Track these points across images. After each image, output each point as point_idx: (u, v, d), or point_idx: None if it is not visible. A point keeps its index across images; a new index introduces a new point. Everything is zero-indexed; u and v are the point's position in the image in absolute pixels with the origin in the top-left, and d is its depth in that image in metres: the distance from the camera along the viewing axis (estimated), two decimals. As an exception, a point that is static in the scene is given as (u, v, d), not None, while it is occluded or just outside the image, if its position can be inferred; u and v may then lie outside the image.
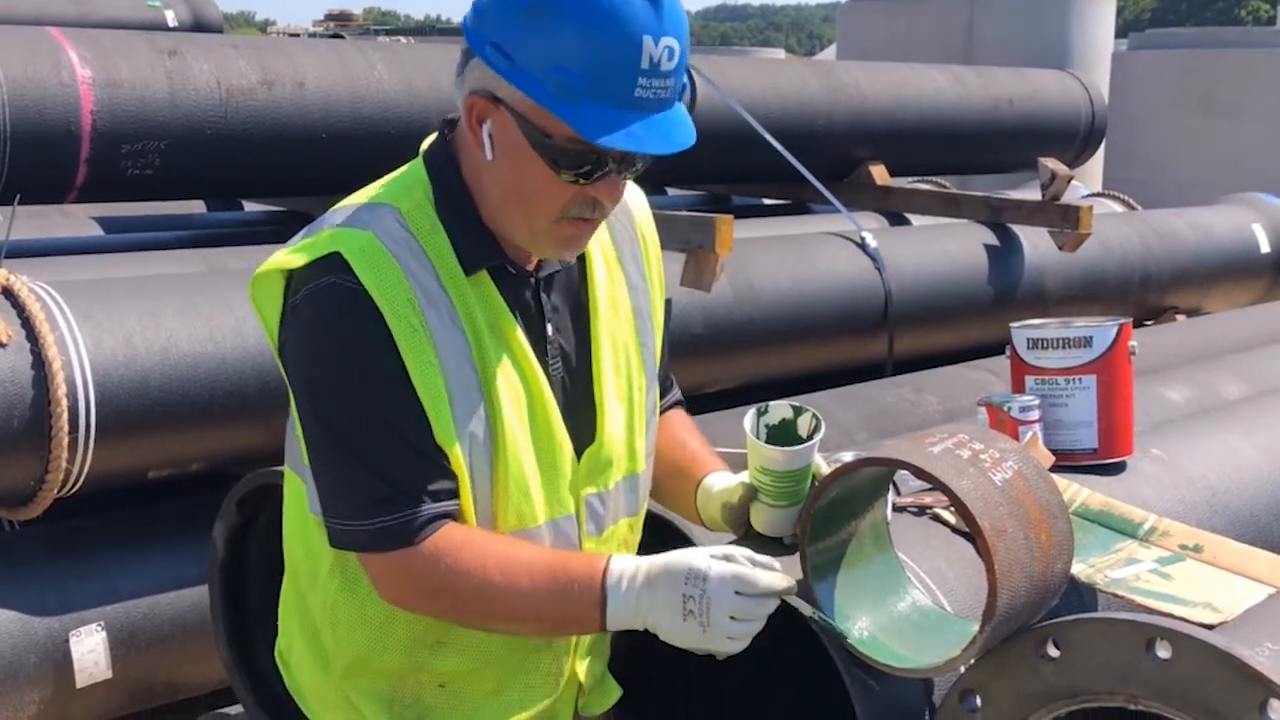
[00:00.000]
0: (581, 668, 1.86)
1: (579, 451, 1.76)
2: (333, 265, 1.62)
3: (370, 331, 1.61)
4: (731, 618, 1.60)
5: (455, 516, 1.66)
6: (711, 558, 1.63)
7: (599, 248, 1.82)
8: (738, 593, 1.60)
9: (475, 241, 1.69)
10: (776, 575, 1.63)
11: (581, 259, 1.81)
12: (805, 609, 1.71)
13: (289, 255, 1.67)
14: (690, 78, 1.64)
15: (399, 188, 1.73)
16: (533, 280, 1.74)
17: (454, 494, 1.66)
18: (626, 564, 1.64)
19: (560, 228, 1.66)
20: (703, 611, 1.59)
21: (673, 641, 1.64)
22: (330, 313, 1.62)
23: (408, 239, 1.65)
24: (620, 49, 1.54)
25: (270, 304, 1.70)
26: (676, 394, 2.06)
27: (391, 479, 1.62)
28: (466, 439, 1.65)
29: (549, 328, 1.75)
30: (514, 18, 1.56)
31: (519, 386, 1.69)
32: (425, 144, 1.78)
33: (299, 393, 1.68)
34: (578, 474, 1.76)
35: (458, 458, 1.65)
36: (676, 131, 1.60)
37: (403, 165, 1.81)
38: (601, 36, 1.53)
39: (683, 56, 1.60)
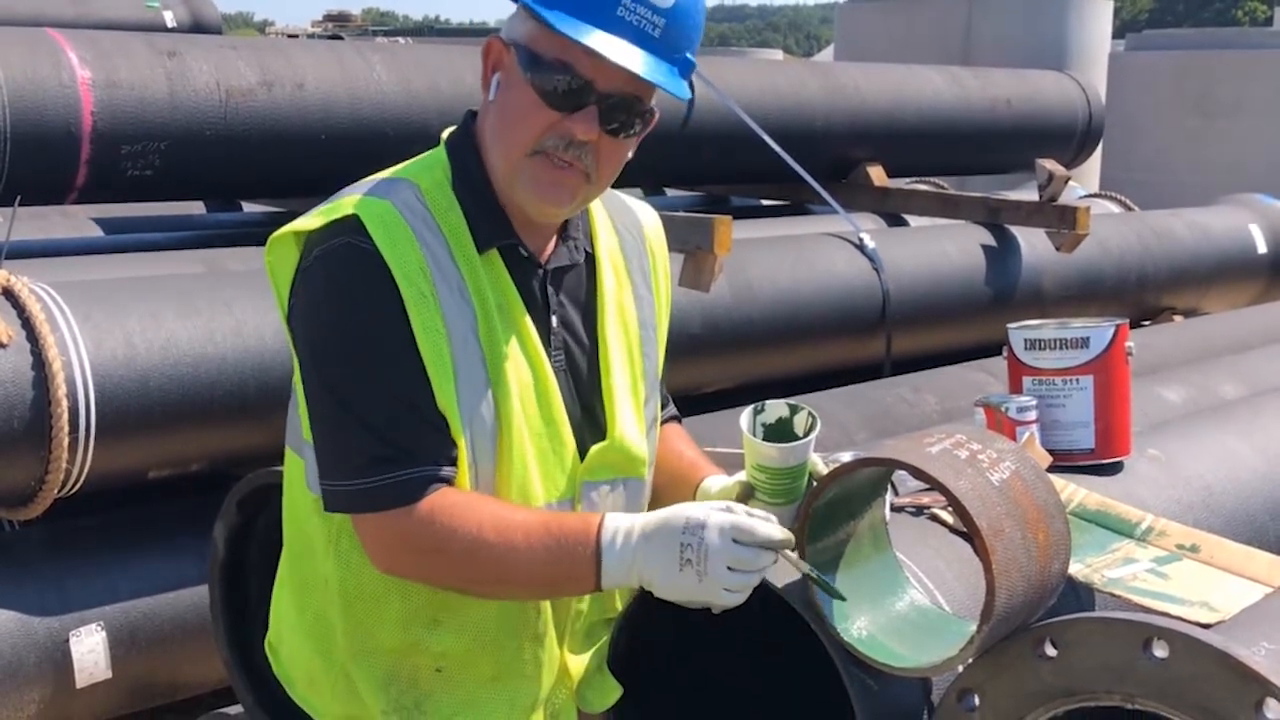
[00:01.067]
0: (571, 660, 1.87)
1: (582, 446, 1.77)
2: (348, 227, 1.65)
3: (380, 293, 1.63)
4: (729, 568, 1.59)
5: (453, 483, 1.67)
6: (709, 508, 1.63)
7: (608, 255, 1.85)
8: (736, 541, 1.59)
9: (489, 220, 1.72)
10: (774, 527, 1.63)
11: (591, 263, 1.83)
12: (802, 566, 1.71)
13: (306, 219, 1.70)
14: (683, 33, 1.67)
15: (420, 167, 1.77)
16: (541, 271, 1.77)
17: (453, 461, 1.67)
18: (622, 520, 1.65)
19: (537, 165, 1.69)
20: (700, 560, 1.59)
21: (667, 595, 1.63)
22: (341, 272, 1.65)
23: (424, 213, 1.69)
24: None
25: (284, 267, 1.73)
26: (672, 409, 2.09)
27: (392, 439, 1.64)
28: (468, 412, 1.67)
29: (554, 319, 1.77)
30: None
31: (524, 367, 1.72)
32: (447, 132, 1.82)
33: (304, 353, 1.70)
34: (578, 464, 1.77)
35: (457, 429, 1.66)
36: (653, 67, 1.64)
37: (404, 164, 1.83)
38: None
39: (680, 5, 1.64)
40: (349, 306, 1.65)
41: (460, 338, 1.67)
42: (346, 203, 1.68)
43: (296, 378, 1.75)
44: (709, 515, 1.61)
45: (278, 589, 1.94)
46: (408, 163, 1.80)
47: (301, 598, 1.87)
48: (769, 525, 1.62)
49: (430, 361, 1.64)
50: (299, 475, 1.80)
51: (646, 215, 1.97)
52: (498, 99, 1.71)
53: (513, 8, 1.72)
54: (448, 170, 1.75)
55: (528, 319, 1.73)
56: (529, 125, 1.67)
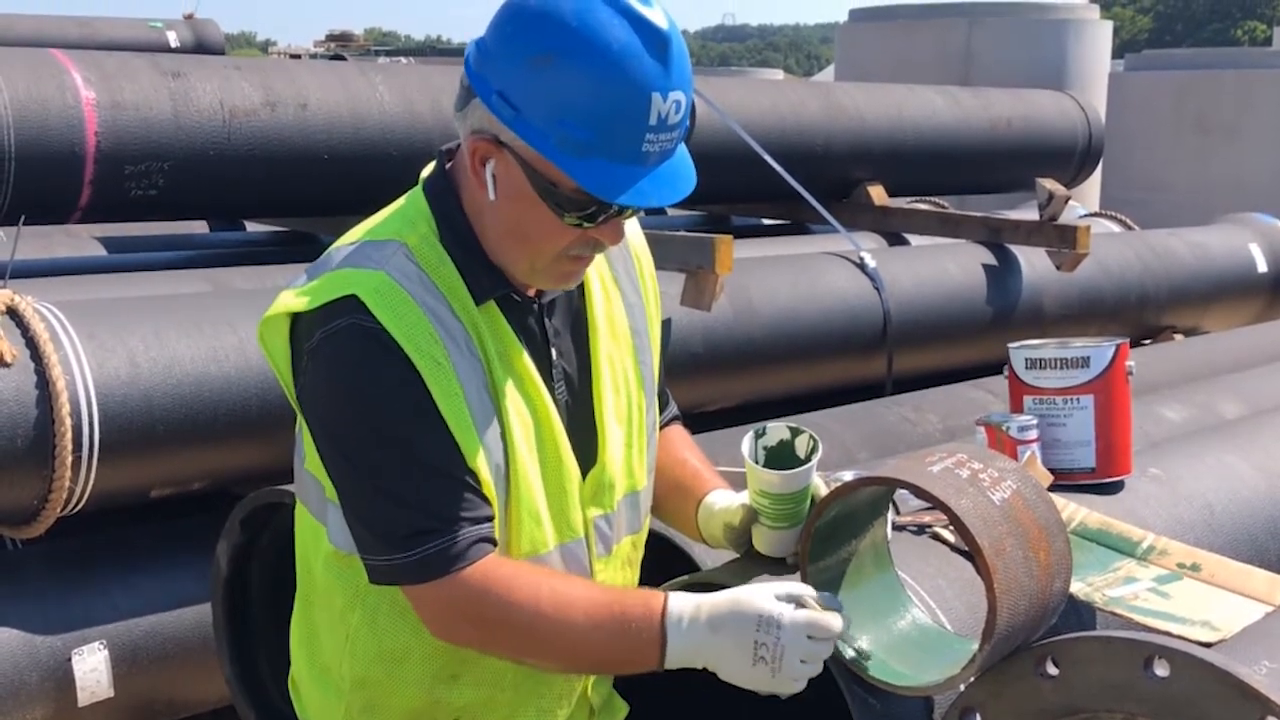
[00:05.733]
0: (590, 689, 1.87)
1: (585, 469, 1.77)
2: (348, 307, 1.61)
3: (392, 368, 1.60)
4: (801, 661, 1.60)
5: (494, 540, 1.65)
6: (779, 599, 1.61)
7: (595, 268, 1.83)
8: (810, 637, 1.59)
9: (482, 273, 1.69)
10: (837, 617, 1.63)
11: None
12: (848, 652, 1.74)
13: (297, 298, 1.65)
14: (690, 108, 1.63)
15: (402, 221, 1.72)
16: (536, 306, 1.75)
17: (490, 518, 1.65)
18: (686, 603, 1.63)
19: (560, 264, 1.68)
20: (775, 658, 1.59)
21: (732, 681, 1.63)
22: (351, 354, 1.61)
23: (420, 274, 1.65)
24: (628, 107, 1.53)
25: (279, 347, 1.70)
26: (674, 409, 2.07)
27: (427, 509, 1.61)
28: (491, 466, 1.65)
29: (554, 352, 1.76)
30: (520, 65, 1.56)
31: (527, 414, 1.70)
32: (425, 172, 1.78)
33: (322, 436, 1.68)
34: (584, 497, 1.77)
35: (488, 485, 1.65)
36: (680, 179, 1.62)
37: (403, 187, 1.81)
38: (610, 95, 1.53)
39: (688, 105, 1.59)
40: (363, 387, 1.62)
41: (475, 395, 1.65)
42: (339, 278, 1.64)
43: (306, 439, 1.72)
44: (783, 614, 1.60)
45: (293, 630, 1.93)
46: (389, 214, 1.76)
47: (310, 648, 1.86)
48: (836, 618, 1.62)
49: (455, 425, 1.62)
50: (315, 533, 1.77)
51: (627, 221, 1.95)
52: (505, 206, 1.64)
53: None
54: (432, 223, 1.71)
55: (527, 360, 1.71)
56: (555, 241, 1.64)
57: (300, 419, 1.73)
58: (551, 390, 1.74)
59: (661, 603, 1.63)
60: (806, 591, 1.65)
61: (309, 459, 1.73)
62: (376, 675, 1.76)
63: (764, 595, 1.62)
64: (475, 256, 1.70)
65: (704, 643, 1.61)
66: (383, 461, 1.62)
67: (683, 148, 1.64)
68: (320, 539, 1.76)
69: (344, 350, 1.62)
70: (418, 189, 1.77)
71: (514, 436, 1.68)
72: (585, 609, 1.63)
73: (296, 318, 1.66)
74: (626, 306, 1.86)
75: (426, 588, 1.63)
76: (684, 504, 1.94)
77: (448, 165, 1.75)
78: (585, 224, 1.62)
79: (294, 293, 1.67)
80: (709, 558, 2.03)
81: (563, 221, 1.62)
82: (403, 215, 1.74)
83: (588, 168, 1.55)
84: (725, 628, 1.60)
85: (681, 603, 1.63)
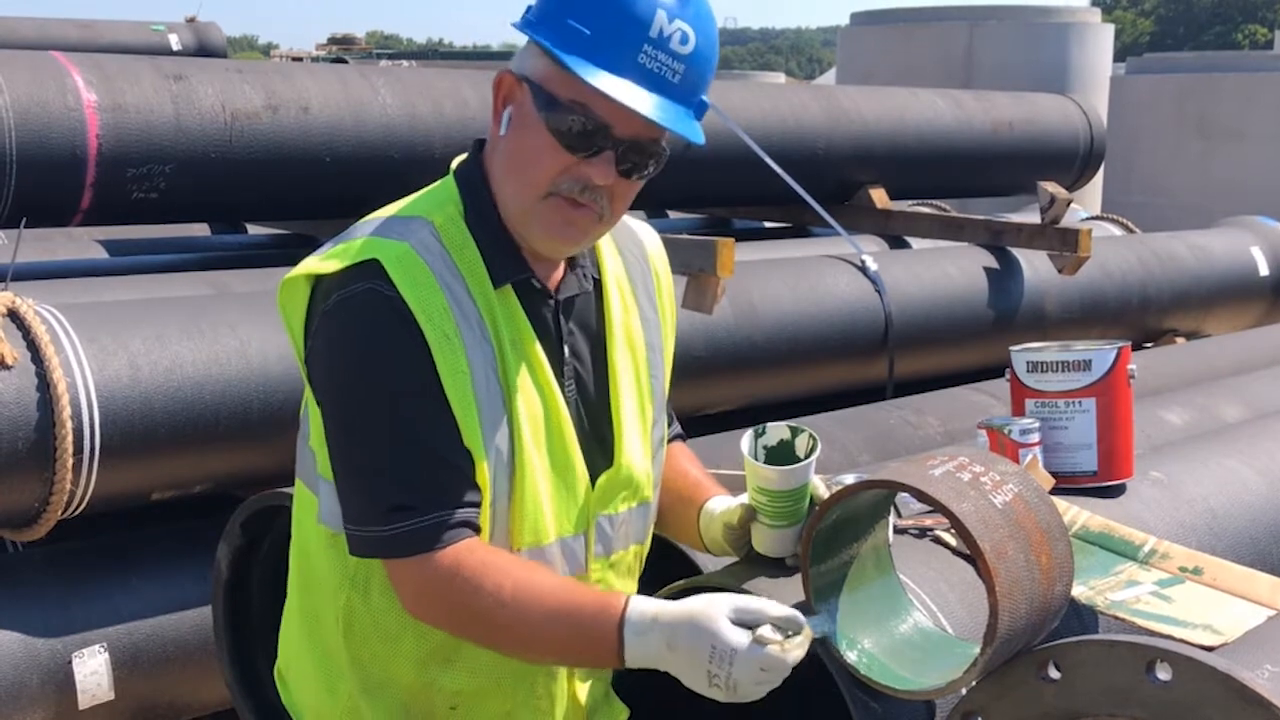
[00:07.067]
0: (580, 689, 1.87)
1: (593, 473, 1.77)
2: (369, 272, 1.64)
3: (404, 339, 1.63)
4: (756, 684, 1.57)
5: (475, 526, 1.66)
6: (736, 625, 1.57)
7: (614, 280, 1.85)
8: (763, 669, 1.56)
9: (503, 255, 1.72)
10: (801, 645, 1.58)
11: (598, 289, 1.83)
12: (850, 655, 1.74)
13: (321, 261, 1.68)
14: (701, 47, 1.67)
15: (432, 202, 1.76)
16: (553, 301, 1.77)
17: (475, 504, 1.66)
18: (645, 611, 1.60)
19: (551, 207, 1.69)
20: (729, 686, 1.56)
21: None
22: (364, 319, 1.64)
23: (441, 251, 1.68)
24: (632, 12, 1.60)
25: (296, 309, 1.72)
26: (677, 427, 2.09)
27: (413, 486, 1.63)
28: (492, 451, 1.66)
29: (566, 349, 1.77)
30: None
31: (537, 403, 1.71)
32: (456, 162, 1.81)
33: (325, 399, 1.70)
34: (590, 496, 1.77)
35: (483, 468, 1.66)
36: (679, 115, 1.65)
37: (405, 190, 1.84)
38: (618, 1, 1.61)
39: (699, 51, 1.64)
40: (371, 353, 1.64)
41: (482, 376, 1.66)
42: (363, 245, 1.67)
43: (313, 414, 1.74)
44: (736, 650, 1.55)
45: (286, 619, 1.93)
46: (418, 196, 1.79)
47: (310, 631, 1.86)
48: (798, 646, 1.58)
49: (456, 403, 1.64)
50: (310, 509, 1.79)
51: (648, 236, 1.97)
52: (510, 136, 1.70)
53: (520, 37, 1.72)
54: (459, 205, 1.74)
55: (541, 353, 1.72)
56: (544, 167, 1.67)
57: (308, 392, 1.74)
58: (561, 385, 1.74)
59: (620, 608, 1.61)
60: (766, 609, 1.60)
61: (313, 435, 1.74)
62: (372, 652, 1.77)
63: (719, 619, 1.57)
64: (498, 239, 1.72)
65: (660, 656, 1.60)
66: (377, 430, 1.64)
67: (691, 115, 1.67)
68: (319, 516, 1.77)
69: (358, 314, 1.64)
70: (449, 175, 1.80)
71: (520, 424, 1.69)
72: (546, 604, 1.63)
73: (317, 281, 1.69)
74: (643, 320, 1.88)
75: (402, 563, 1.65)
76: (686, 513, 1.95)
77: (479, 154, 1.78)
78: (576, 150, 1.65)
79: (318, 258, 1.70)
80: (711, 566, 2.03)
81: (556, 145, 1.65)
82: (432, 196, 1.78)
83: (579, 57, 1.61)
84: (680, 647, 1.58)
85: (641, 609, 1.61)
